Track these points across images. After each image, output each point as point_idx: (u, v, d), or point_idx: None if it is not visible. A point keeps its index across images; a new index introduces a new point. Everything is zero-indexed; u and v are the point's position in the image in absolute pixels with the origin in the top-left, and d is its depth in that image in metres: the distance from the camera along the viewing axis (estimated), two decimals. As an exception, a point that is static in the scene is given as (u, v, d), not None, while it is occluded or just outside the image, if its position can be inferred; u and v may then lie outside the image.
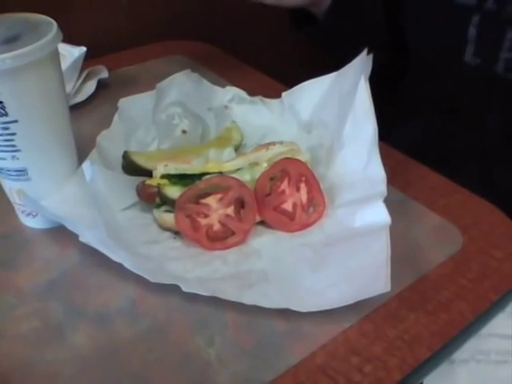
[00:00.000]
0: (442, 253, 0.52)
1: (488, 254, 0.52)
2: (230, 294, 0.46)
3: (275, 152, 0.56)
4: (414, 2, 0.72)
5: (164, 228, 0.54)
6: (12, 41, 0.46)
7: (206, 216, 0.51)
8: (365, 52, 0.59)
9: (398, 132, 0.66)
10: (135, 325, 0.46)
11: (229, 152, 0.56)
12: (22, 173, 0.50)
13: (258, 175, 0.53)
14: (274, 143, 0.57)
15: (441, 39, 0.68)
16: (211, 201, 0.51)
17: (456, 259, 0.51)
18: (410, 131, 0.73)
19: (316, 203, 0.55)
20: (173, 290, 0.46)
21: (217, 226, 0.52)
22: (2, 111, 0.46)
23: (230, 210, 0.52)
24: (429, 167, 0.63)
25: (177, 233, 0.53)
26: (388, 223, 0.48)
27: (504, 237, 0.54)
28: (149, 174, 0.55)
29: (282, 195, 0.54)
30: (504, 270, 0.51)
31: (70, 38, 0.56)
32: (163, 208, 0.53)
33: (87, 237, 0.49)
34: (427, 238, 0.53)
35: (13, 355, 0.43)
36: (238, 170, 0.54)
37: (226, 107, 0.69)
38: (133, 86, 0.74)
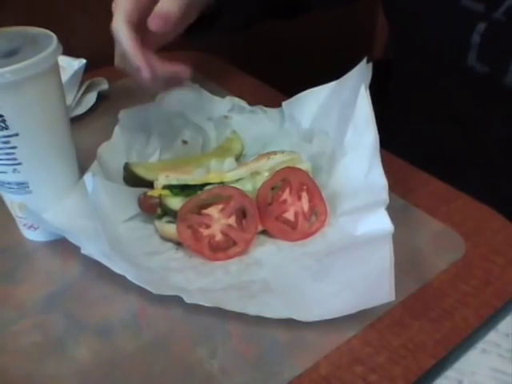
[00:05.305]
0: (445, 260, 0.52)
1: (490, 260, 0.52)
2: (232, 304, 0.46)
3: (276, 161, 0.56)
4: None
5: (166, 239, 0.53)
6: (12, 54, 0.46)
7: (207, 226, 0.51)
8: (364, 60, 0.59)
9: (399, 139, 0.65)
10: (137, 337, 0.45)
11: (230, 162, 0.56)
12: (23, 186, 0.50)
13: (259, 185, 0.53)
14: (274, 152, 0.57)
15: (442, 41, 0.66)
16: (213, 211, 0.51)
17: (459, 266, 0.51)
18: (411, 138, 0.72)
19: (318, 212, 0.55)
20: (175, 301, 0.46)
21: (219, 237, 0.52)
22: (3, 125, 0.46)
23: (232, 220, 0.52)
24: (430, 174, 0.63)
25: (179, 244, 0.53)
26: (391, 231, 0.48)
27: (506, 242, 0.54)
28: (150, 185, 0.55)
29: (284, 204, 0.54)
30: (507, 276, 0.50)
31: (69, 50, 0.56)
32: (165, 219, 0.53)
33: (89, 249, 0.49)
34: (429, 245, 0.53)
35: (13, 370, 0.43)
36: (240, 179, 0.54)
37: (226, 117, 0.69)
38: (133, 97, 0.74)
